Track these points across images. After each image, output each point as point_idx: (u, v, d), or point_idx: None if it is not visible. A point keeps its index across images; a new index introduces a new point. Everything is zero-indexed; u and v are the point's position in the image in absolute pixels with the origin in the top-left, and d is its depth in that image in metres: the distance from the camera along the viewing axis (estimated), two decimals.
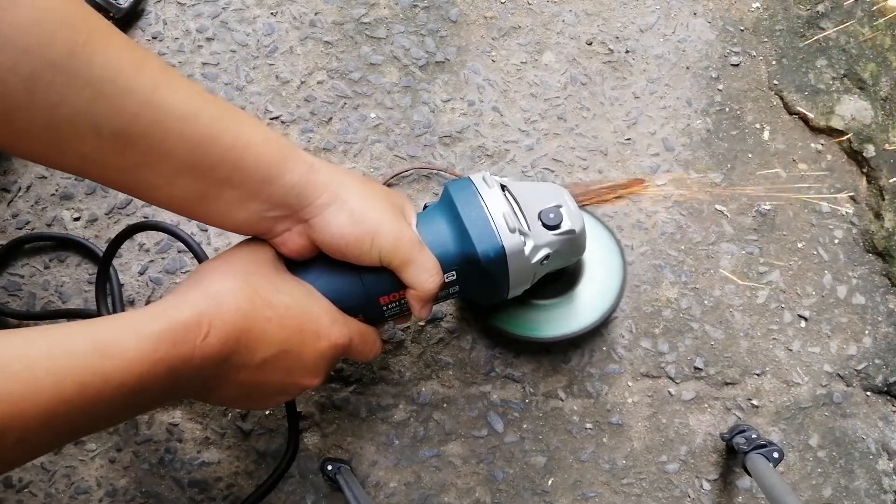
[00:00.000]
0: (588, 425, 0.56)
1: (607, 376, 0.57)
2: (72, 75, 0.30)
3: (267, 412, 0.55)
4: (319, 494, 0.54)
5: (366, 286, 0.41)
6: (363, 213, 0.38)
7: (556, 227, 0.43)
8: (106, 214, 0.58)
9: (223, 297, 0.34)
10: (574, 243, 0.45)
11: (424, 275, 0.40)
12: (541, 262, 0.43)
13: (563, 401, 0.56)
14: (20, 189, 0.58)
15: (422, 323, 0.57)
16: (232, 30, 0.64)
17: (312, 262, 0.41)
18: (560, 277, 0.53)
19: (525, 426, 0.56)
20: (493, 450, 0.55)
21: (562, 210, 0.43)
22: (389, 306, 0.43)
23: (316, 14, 0.65)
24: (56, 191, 0.59)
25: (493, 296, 0.46)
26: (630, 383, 0.57)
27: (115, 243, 0.49)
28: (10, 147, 0.33)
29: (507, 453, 0.55)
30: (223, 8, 0.64)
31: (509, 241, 0.41)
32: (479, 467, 0.55)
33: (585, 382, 0.57)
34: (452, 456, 0.55)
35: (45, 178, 0.59)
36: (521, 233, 0.42)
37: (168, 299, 0.34)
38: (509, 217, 0.41)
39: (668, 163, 0.62)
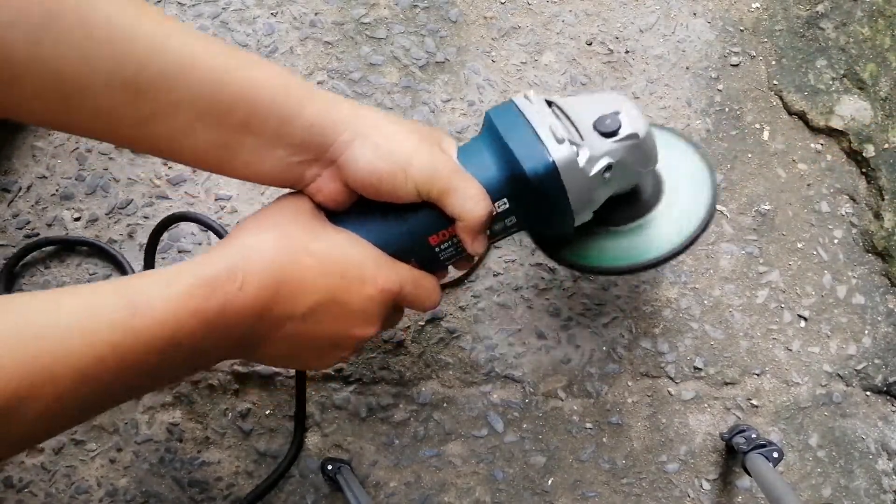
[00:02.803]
0: (588, 425, 0.56)
1: (607, 376, 0.57)
2: (74, 25, 0.29)
3: (267, 412, 0.55)
4: (319, 494, 0.54)
5: (410, 225, 0.38)
6: (391, 144, 0.35)
7: (615, 133, 0.38)
8: (106, 214, 0.58)
9: (256, 247, 0.34)
10: (639, 150, 0.40)
11: (469, 202, 0.36)
12: (601, 174, 0.39)
13: (562, 400, 0.56)
14: (20, 189, 0.59)
15: (422, 323, 0.57)
16: (232, 30, 0.64)
17: (352, 210, 0.38)
18: (636, 199, 0.47)
19: (525, 426, 0.56)
20: (493, 449, 0.55)
21: (620, 116, 0.39)
22: (442, 247, 0.40)
23: (316, 14, 0.65)
24: (56, 191, 0.59)
25: (557, 222, 0.41)
26: (630, 383, 0.57)
27: (154, 239, 0.50)
28: (19, 111, 0.32)
29: (507, 453, 0.55)
30: (223, 8, 0.64)
31: (559, 153, 0.37)
32: (479, 467, 0.55)
33: (585, 382, 0.57)
34: (452, 456, 0.55)
35: (46, 178, 0.59)
36: (573, 143, 0.38)
37: (199, 256, 0.34)
38: (557, 128, 0.37)
39: None
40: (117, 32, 0.30)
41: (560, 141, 0.37)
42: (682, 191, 0.47)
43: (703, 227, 0.45)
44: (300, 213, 0.37)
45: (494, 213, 0.39)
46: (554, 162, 0.37)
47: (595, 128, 0.38)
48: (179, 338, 0.30)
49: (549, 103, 0.40)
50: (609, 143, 0.38)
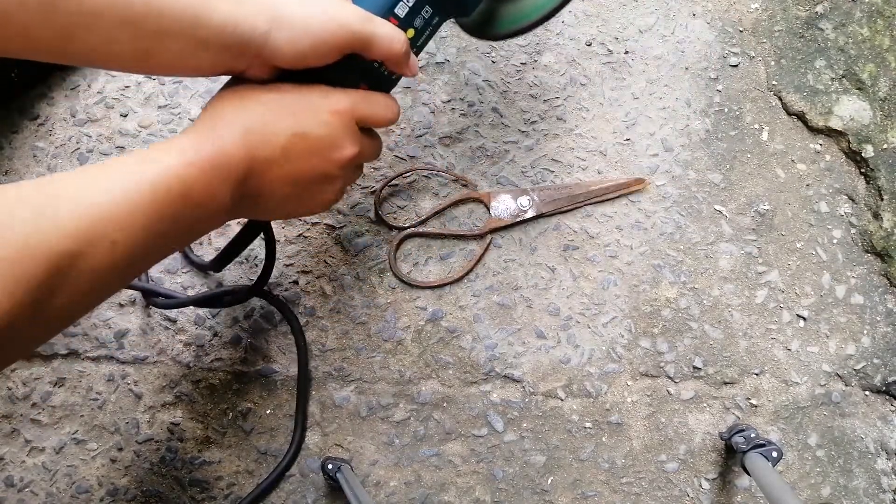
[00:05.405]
0: (587, 424, 0.56)
1: (606, 375, 0.57)
2: None
3: (268, 411, 0.55)
4: (320, 493, 0.54)
5: (345, 67, 0.41)
6: (305, 21, 0.37)
7: None
8: None
9: (220, 109, 0.37)
10: None
11: (385, 43, 0.40)
12: None
13: (562, 400, 0.57)
14: None
15: (422, 323, 0.57)
16: None
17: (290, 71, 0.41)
18: None
19: (525, 425, 0.56)
20: (493, 449, 0.55)
21: None
22: (380, 67, 0.43)
23: None
24: None
25: None
26: (629, 382, 0.57)
27: None
28: None
29: (507, 452, 0.55)
30: None
31: None
32: (479, 466, 0.55)
33: (584, 382, 0.57)
34: (452, 455, 0.55)
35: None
36: None
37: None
38: None
39: (667, 163, 0.62)
40: None
41: None
42: None
43: None
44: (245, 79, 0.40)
45: (406, 10, 0.42)
46: None
47: None
48: (190, 184, 0.34)
49: None
50: None
